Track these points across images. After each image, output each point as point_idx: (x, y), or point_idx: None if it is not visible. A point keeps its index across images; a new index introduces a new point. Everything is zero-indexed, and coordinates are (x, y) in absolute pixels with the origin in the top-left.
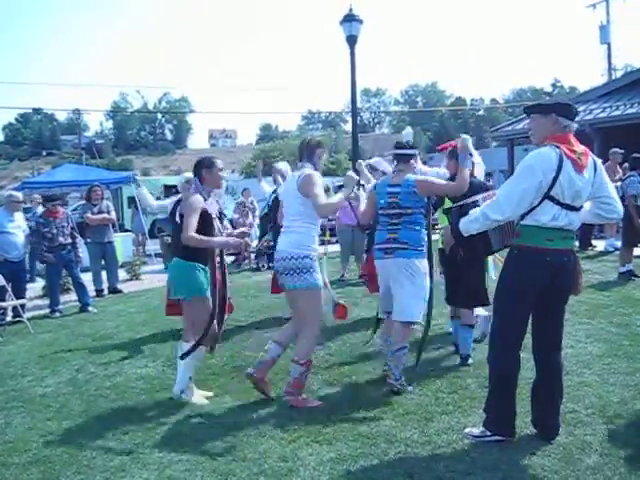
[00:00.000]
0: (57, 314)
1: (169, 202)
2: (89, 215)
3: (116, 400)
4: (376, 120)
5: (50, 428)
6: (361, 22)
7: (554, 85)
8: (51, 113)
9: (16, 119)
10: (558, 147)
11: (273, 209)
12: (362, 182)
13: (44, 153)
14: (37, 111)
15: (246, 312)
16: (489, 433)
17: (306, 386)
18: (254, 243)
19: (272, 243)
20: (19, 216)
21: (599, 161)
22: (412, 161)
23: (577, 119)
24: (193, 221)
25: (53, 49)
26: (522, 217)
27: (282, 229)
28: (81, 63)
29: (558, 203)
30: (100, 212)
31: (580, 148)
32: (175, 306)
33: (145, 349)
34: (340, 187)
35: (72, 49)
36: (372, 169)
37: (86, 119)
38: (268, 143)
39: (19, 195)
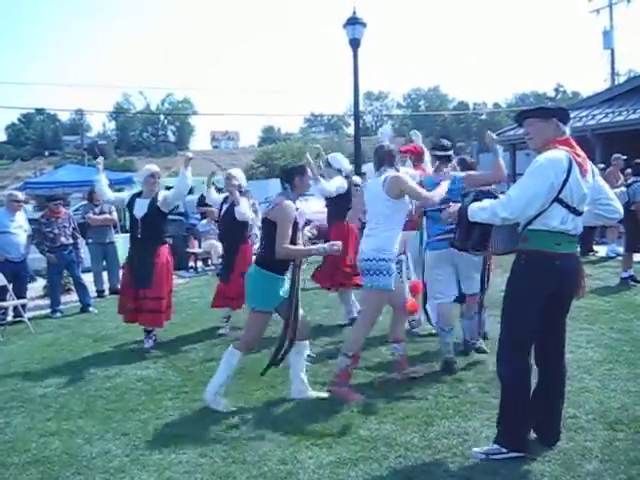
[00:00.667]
0: (58, 314)
1: (127, 195)
2: (91, 215)
3: (116, 401)
4: (378, 123)
5: (50, 428)
6: (364, 25)
7: (557, 90)
8: (54, 113)
9: (19, 119)
10: (567, 151)
11: None
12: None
13: (46, 153)
14: (40, 111)
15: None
16: (505, 450)
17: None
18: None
19: None
20: (21, 216)
21: (593, 165)
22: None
23: (579, 124)
24: (288, 231)
25: (56, 49)
26: (530, 221)
27: (365, 231)
28: (84, 64)
29: (567, 207)
30: (102, 213)
31: (582, 152)
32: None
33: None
34: None
35: (75, 50)
36: (328, 165)
37: (89, 120)
38: (270, 145)
39: (20, 195)
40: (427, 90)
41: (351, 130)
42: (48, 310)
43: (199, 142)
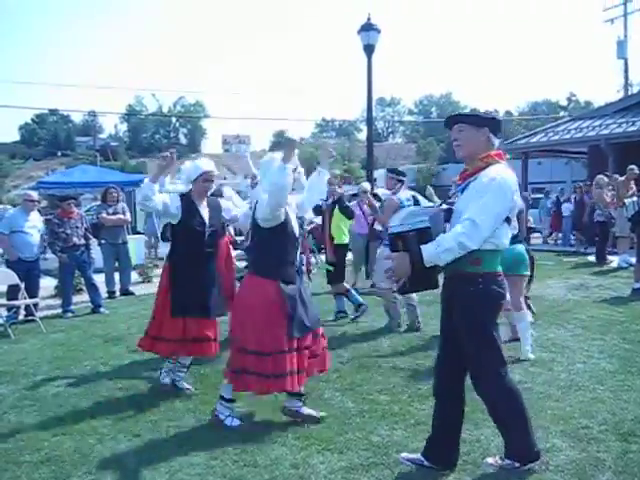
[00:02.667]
0: (69, 314)
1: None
2: (104, 215)
3: (127, 402)
4: (390, 129)
5: (62, 428)
6: (379, 31)
7: (569, 99)
8: (67, 114)
9: (32, 119)
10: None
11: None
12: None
13: (59, 154)
14: (53, 112)
15: None
16: (517, 465)
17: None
18: None
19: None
20: (35, 216)
21: None
22: None
23: (593, 134)
24: None
25: (70, 50)
26: None
27: None
28: (97, 65)
29: (509, 223)
30: (115, 213)
31: None
32: None
33: None
34: (354, 195)
35: (88, 51)
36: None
37: (101, 121)
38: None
39: (34, 195)
40: (439, 97)
41: (362, 136)
42: (59, 310)
43: (210, 145)
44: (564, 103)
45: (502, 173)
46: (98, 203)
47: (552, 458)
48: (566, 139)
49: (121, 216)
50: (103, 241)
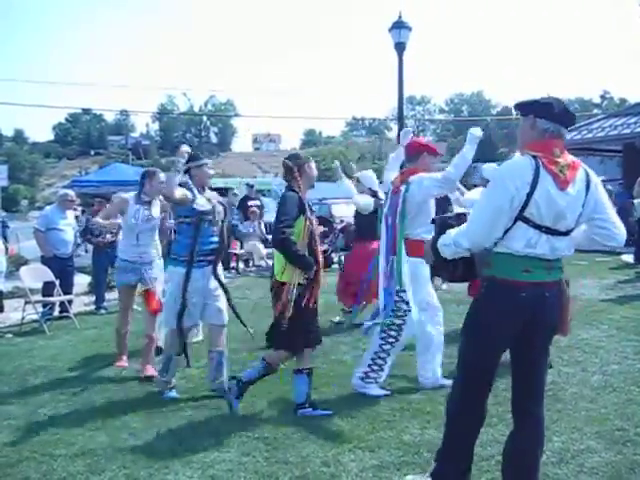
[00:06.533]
0: (102, 311)
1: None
2: None
3: (160, 398)
4: (420, 128)
5: (95, 422)
6: (410, 29)
7: (603, 96)
8: (100, 114)
9: (66, 119)
10: (535, 157)
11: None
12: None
13: (92, 153)
14: (86, 111)
15: None
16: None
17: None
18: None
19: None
20: (70, 214)
21: (595, 177)
22: None
23: (627, 131)
24: None
25: (103, 50)
26: (495, 243)
27: None
28: (130, 65)
29: (535, 226)
30: None
31: (566, 159)
32: None
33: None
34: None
35: (121, 51)
36: (358, 182)
37: (133, 120)
38: (312, 148)
39: (72, 194)
40: (470, 95)
41: (392, 134)
42: (93, 306)
43: (241, 144)
44: (597, 100)
45: (509, 164)
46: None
47: (587, 460)
48: (600, 137)
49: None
50: None
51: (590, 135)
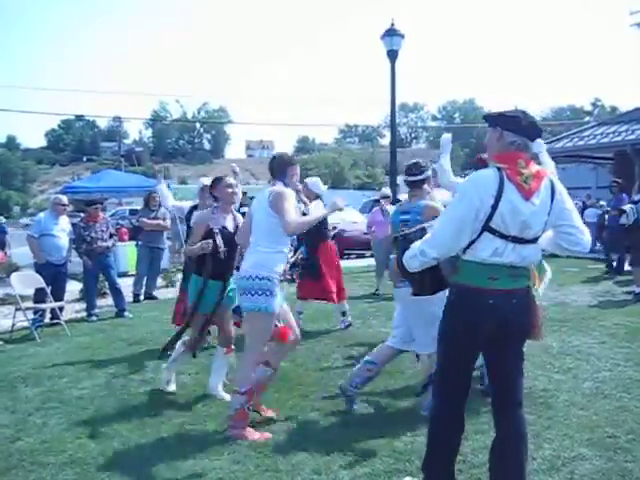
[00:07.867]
0: (94, 318)
1: (187, 205)
2: (145, 220)
3: (151, 406)
4: (413, 135)
5: (86, 430)
6: (402, 37)
7: (594, 104)
8: (92, 120)
9: (59, 125)
10: (500, 169)
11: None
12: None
13: (84, 159)
14: (79, 118)
15: None
16: None
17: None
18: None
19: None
20: (64, 220)
21: (559, 184)
22: (425, 186)
23: (619, 139)
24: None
25: (96, 58)
26: (463, 251)
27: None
28: (123, 72)
29: (501, 236)
30: (156, 218)
31: (531, 170)
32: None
33: None
34: (376, 201)
35: (114, 58)
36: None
37: (126, 127)
38: (305, 155)
39: (65, 199)
40: (462, 102)
41: (385, 141)
42: (84, 313)
43: (234, 151)
44: (589, 108)
45: (474, 177)
46: (123, 208)
47: (578, 467)
48: (592, 144)
49: (160, 222)
50: (141, 242)
51: (582, 142)
